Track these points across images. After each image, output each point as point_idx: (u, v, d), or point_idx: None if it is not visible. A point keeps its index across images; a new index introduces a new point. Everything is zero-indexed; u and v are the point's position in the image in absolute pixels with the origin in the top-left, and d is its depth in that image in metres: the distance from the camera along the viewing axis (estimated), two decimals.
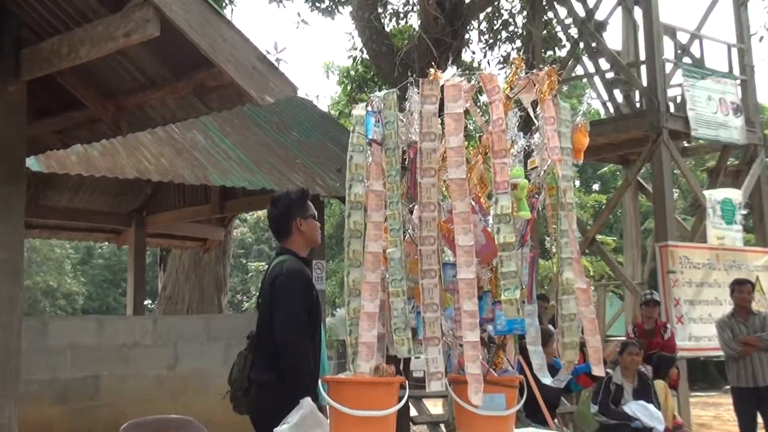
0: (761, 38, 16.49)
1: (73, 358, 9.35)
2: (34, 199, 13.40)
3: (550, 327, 8.12)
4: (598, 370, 4.14)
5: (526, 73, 4.49)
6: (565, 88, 19.98)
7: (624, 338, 11.15)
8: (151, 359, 9.83)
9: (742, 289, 10.03)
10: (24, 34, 5.50)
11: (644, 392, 9.29)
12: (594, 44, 16.44)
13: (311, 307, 4.70)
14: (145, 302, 22.84)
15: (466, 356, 3.87)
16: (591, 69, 17.34)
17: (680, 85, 15.23)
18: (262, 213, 39.02)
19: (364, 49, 17.26)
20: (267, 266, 5.10)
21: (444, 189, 4.35)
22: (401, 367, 4.28)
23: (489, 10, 17.40)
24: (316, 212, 5.02)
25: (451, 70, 4.40)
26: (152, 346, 9.89)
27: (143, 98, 6.09)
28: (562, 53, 17.99)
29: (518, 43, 17.92)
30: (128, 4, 4.61)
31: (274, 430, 4.08)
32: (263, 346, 4.73)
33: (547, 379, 4.31)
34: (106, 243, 20.69)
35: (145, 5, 4.47)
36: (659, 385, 9.85)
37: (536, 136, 4.44)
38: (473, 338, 3.89)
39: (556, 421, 9.30)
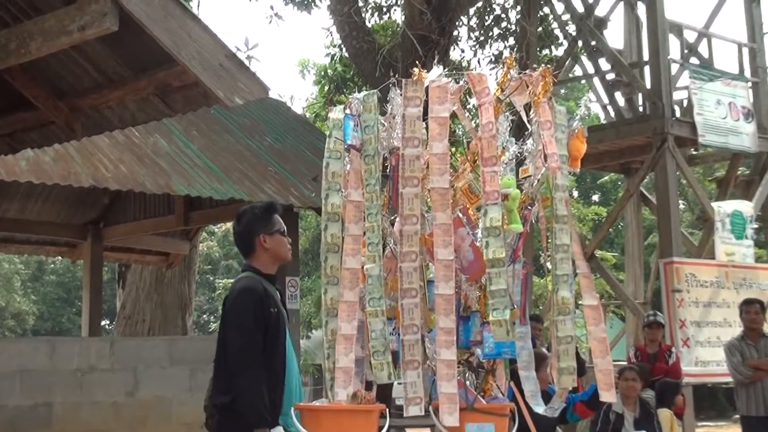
0: None
1: (23, 384, 9.28)
2: None
3: (544, 350, 8.10)
4: (607, 396, 4.14)
5: (519, 73, 4.49)
6: (562, 90, 20.08)
7: (625, 363, 11.16)
8: (108, 385, 9.76)
9: (749, 309, 10.06)
10: None
11: (647, 421, 9.27)
12: (594, 43, 16.47)
13: (267, 327, 4.70)
14: (103, 323, 22.71)
15: (439, 374, 3.87)
16: (590, 69, 17.37)
17: (687, 87, 15.27)
18: (230, 225, 38.89)
19: (343, 46, 17.28)
20: None
21: (429, 199, 4.35)
22: (377, 393, 4.26)
23: (480, 4, 17.45)
24: (284, 227, 5.02)
25: (437, 69, 4.40)
26: (110, 371, 9.82)
27: (100, 99, 6.07)
28: (559, 52, 18.04)
29: (511, 41, 17.98)
30: None
31: None
32: (219, 369, 4.76)
33: (539, 408, 4.30)
34: (60, 257, 20.58)
35: None
36: (664, 413, 9.85)
37: (529, 142, 4.44)
38: (449, 356, 3.90)
39: None
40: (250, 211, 5.05)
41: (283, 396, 4.64)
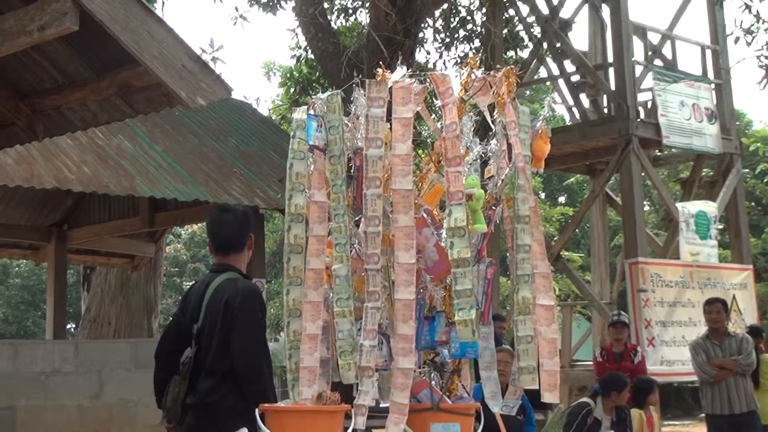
0: (737, 39, 16.74)
1: None
2: None
3: (508, 346, 8.10)
4: (549, 397, 4.14)
5: (483, 74, 4.48)
6: (527, 92, 20.15)
7: (591, 362, 11.21)
8: (72, 388, 9.68)
9: (711, 309, 10.14)
10: None
11: (621, 426, 9.33)
12: (558, 45, 16.56)
13: None
14: (68, 326, 22.54)
15: (394, 383, 3.85)
16: (555, 71, 17.46)
17: (651, 89, 15.37)
18: (197, 227, 38.77)
19: (308, 47, 17.25)
20: (202, 284, 5.02)
21: (393, 200, 4.33)
22: (342, 394, 4.25)
23: (445, 6, 17.47)
24: None
25: (401, 70, 4.38)
26: (74, 374, 9.74)
27: (62, 99, 5.99)
28: (525, 54, 18.12)
29: (477, 43, 18.02)
30: None
31: None
32: (213, 370, 4.70)
33: (496, 407, 4.31)
34: (24, 260, 20.41)
35: None
36: (634, 414, 9.89)
37: (493, 142, 4.44)
38: (406, 365, 3.86)
39: None
40: (244, 209, 5.06)
41: None
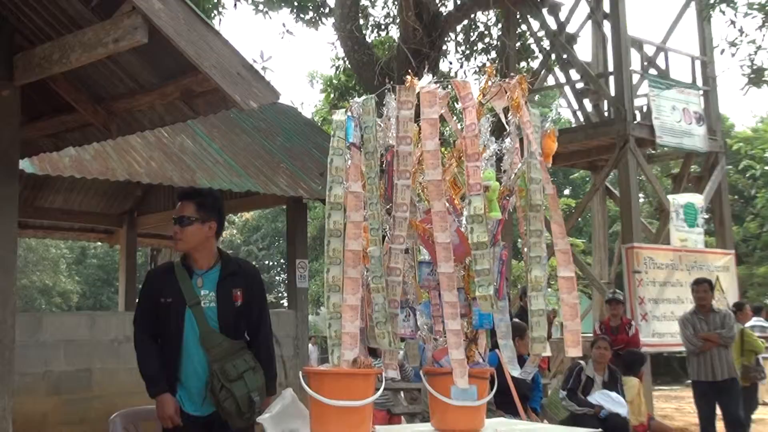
0: (723, 51, 16.63)
1: (67, 352, 9.29)
2: (30, 201, 13.31)
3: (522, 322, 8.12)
4: (574, 352, 4.15)
5: (499, 81, 4.47)
6: (537, 97, 20.05)
7: (592, 335, 11.20)
8: None
9: (699, 288, 10.13)
10: (17, 40, 5.44)
11: (613, 385, 9.36)
12: (565, 56, 16.49)
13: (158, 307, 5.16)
14: (137, 300, 22.67)
15: (449, 343, 3.91)
16: (562, 79, 17.40)
17: (646, 95, 15.30)
18: (249, 215, 38.98)
19: (346, 58, 17.27)
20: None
21: (420, 191, 4.35)
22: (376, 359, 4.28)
23: (465, 22, 17.45)
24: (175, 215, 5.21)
25: (427, 77, 4.38)
26: None
27: (132, 103, 6.02)
28: (535, 64, 18.05)
29: (493, 54, 18.00)
30: (117, 12, 4.57)
31: (257, 418, 4.09)
32: None
33: (515, 372, 4.31)
34: (99, 243, 20.57)
35: (134, 13, 4.43)
36: (632, 381, 9.89)
37: (507, 141, 4.44)
38: (455, 326, 3.91)
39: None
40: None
41: (180, 373, 5.06)
